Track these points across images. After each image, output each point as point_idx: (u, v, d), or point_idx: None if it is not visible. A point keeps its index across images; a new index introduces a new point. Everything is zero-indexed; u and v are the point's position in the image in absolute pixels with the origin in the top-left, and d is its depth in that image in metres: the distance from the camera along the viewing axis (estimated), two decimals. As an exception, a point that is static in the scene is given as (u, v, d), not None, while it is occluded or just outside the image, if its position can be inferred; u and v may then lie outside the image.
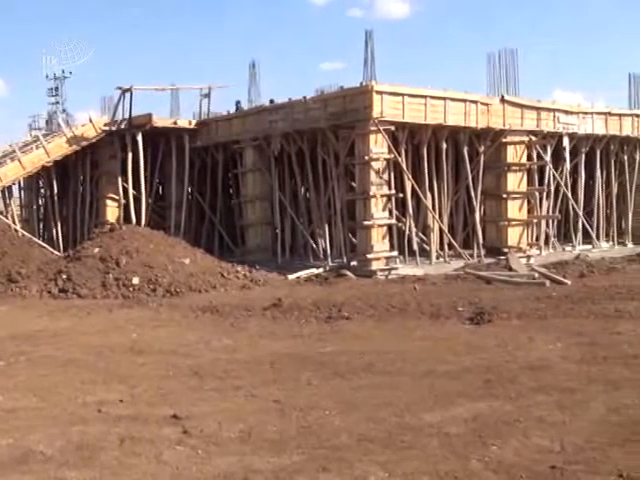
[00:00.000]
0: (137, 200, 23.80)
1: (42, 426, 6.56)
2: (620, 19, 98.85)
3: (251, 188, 23.05)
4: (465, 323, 11.85)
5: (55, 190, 24.84)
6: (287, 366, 8.93)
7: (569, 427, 6.28)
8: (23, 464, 5.63)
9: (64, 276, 16.70)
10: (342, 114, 19.74)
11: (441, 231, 21.22)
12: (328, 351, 9.85)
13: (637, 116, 25.63)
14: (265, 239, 23.02)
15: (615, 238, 25.67)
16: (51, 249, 21.62)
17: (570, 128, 23.53)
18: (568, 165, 23.87)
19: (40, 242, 22.40)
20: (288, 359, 9.33)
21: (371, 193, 19.21)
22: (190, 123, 24.73)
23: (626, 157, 25.93)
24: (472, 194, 21.69)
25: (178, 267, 17.29)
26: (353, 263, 19.72)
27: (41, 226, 26.97)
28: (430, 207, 20.81)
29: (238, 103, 24.83)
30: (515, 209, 22.44)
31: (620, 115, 25.11)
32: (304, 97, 21.05)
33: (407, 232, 20.47)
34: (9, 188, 23.68)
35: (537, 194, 23.06)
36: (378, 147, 19.29)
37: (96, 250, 17.44)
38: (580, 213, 24.33)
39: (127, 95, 22.96)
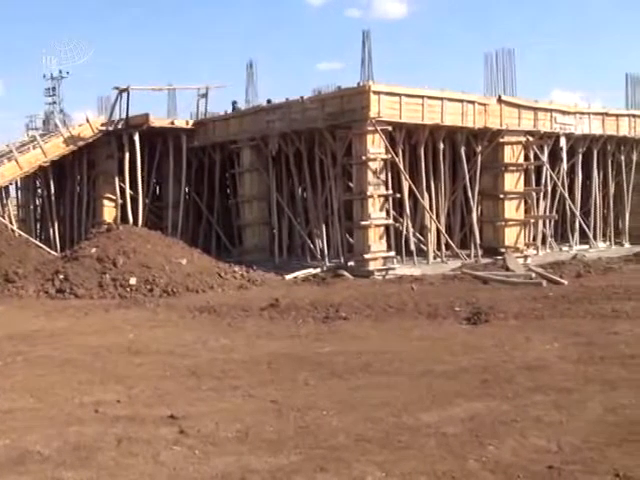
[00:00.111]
0: (134, 200, 23.77)
1: (39, 426, 6.55)
2: (618, 19, 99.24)
3: (248, 188, 23.05)
4: (462, 323, 11.84)
5: (52, 190, 24.85)
6: (284, 366, 8.91)
7: (566, 427, 6.28)
8: (20, 465, 5.61)
9: (61, 276, 16.66)
10: (339, 114, 19.74)
11: (438, 231, 21.23)
12: (325, 351, 9.83)
13: (634, 116, 25.72)
14: (262, 239, 23.01)
15: (612, 238, 25.73)
16: (48, 249, 21.58)
17: (567, 128, 23.58)
18: (565, 165, 23.92)
19: (37, 242, 22.35)
20: (285, 359, 9.32)
21: (368, 193, 19.22)
22: (187, 123, 24.73)
23: (623, 157, 26.02)
24: (469, 194, 21.72)
25: (175, 267, 17.26)
26: (350, 263, 19.73)
27: (38, 226, 27.00)
28: (427, 207, 20.82)
29: (235, 103, 24.85)
30: (512, 209, 22.47)
31: (617, 115, 25.19)
32: (301, 97, 21.04)
33: (404, 232, 20.46)
34: (6, 188, 23.65)
35: (534, 194, 23.11)
36: (375, 147, 19.31)
37: (93, 250, 17.41)
38: (577, 213, 24.37)
39: (124, 95, 22.96)
